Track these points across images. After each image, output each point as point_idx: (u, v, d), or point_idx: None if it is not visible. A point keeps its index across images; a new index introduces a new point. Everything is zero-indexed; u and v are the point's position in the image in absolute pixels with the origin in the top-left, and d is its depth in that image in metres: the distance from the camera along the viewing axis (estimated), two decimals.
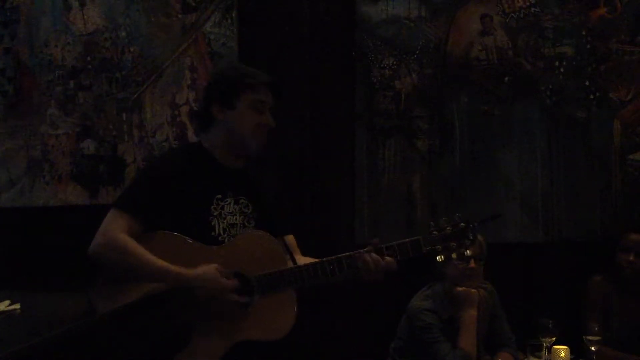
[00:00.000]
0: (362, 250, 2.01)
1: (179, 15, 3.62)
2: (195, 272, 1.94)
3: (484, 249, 2.76)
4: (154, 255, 1.95)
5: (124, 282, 1.97)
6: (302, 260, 2.15)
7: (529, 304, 3.26)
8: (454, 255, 2.02)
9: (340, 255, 2.01)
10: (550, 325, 2.60)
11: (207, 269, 1.95)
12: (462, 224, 2.01)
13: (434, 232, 2.01)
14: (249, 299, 2.00)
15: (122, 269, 1.97)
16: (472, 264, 2.72)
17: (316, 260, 2.04)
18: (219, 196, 2.10)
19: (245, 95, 2.13)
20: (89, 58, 3.74)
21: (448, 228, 2.01)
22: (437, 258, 2.02)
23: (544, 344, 2.61)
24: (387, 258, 1.99)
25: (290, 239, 2.24)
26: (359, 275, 2.01)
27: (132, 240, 1.96)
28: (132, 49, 3.67)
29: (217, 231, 2.07)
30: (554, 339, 2.61)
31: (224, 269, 1.98)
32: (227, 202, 2.11)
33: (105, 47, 3.71)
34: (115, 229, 1.97)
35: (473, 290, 2.77)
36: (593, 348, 2.65)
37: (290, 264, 2.07)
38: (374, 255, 1.99)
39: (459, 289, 2.77)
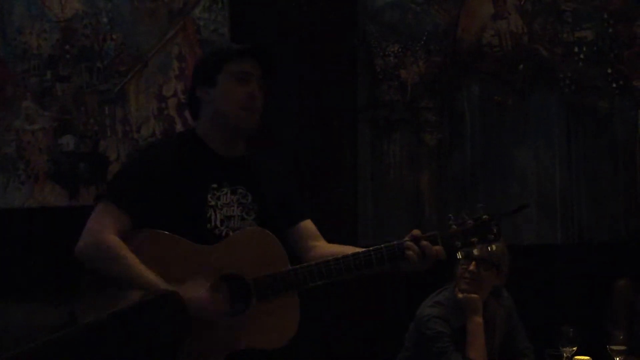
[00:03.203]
0: (383, 245, 1.98)
1: None
2: (186, 297, 1.88)
3: (494, 253, 2.67)
4: (145, 259, 1.92)
5: (110, 288, 1.93)
6: (325, 248, 2.12)
7: (548, 311, 3.26)
8: (475, 252, 2.00)
9: (356, 251, 1.98)
10: (570, 334, 2.58)
11: (198, 299, 1.88)
12: (485, 216, 1.96)
13: (454, 226, 1.97)
14: (244, 305, 1.97)
15: (109, 274, 1.95)
16: (472, 266, 2.73)
17: (328, 259, 1.99)
18: (215, 185, 2.08)
19: (227, 67, 2.09)
20: (67, 46, 3.71)
21: (469, 221, 1.97)
22: (457, 255, 1.99)
23: (564, 354, 2.58)
24: (436, 247, 1.93)
25: (307, 224, 2.21)
26: (401, 267, 1.97)
27: (123, 245, 1.94)
28: (114, 36, 3.66)
29: (213, 223, 2.04)
30: (575, 348, 2.59)
31: (213, 281, 1.94)
32: (223, 193, 2.08)
33: (85, 34, 3.69)
34: (105, 228, 1.96)
35: (474, 295, 2.77)
36: (618, 359, 2.62)
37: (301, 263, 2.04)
38: (422, 242, 1.93)
39: (460, 295, 2.78)
